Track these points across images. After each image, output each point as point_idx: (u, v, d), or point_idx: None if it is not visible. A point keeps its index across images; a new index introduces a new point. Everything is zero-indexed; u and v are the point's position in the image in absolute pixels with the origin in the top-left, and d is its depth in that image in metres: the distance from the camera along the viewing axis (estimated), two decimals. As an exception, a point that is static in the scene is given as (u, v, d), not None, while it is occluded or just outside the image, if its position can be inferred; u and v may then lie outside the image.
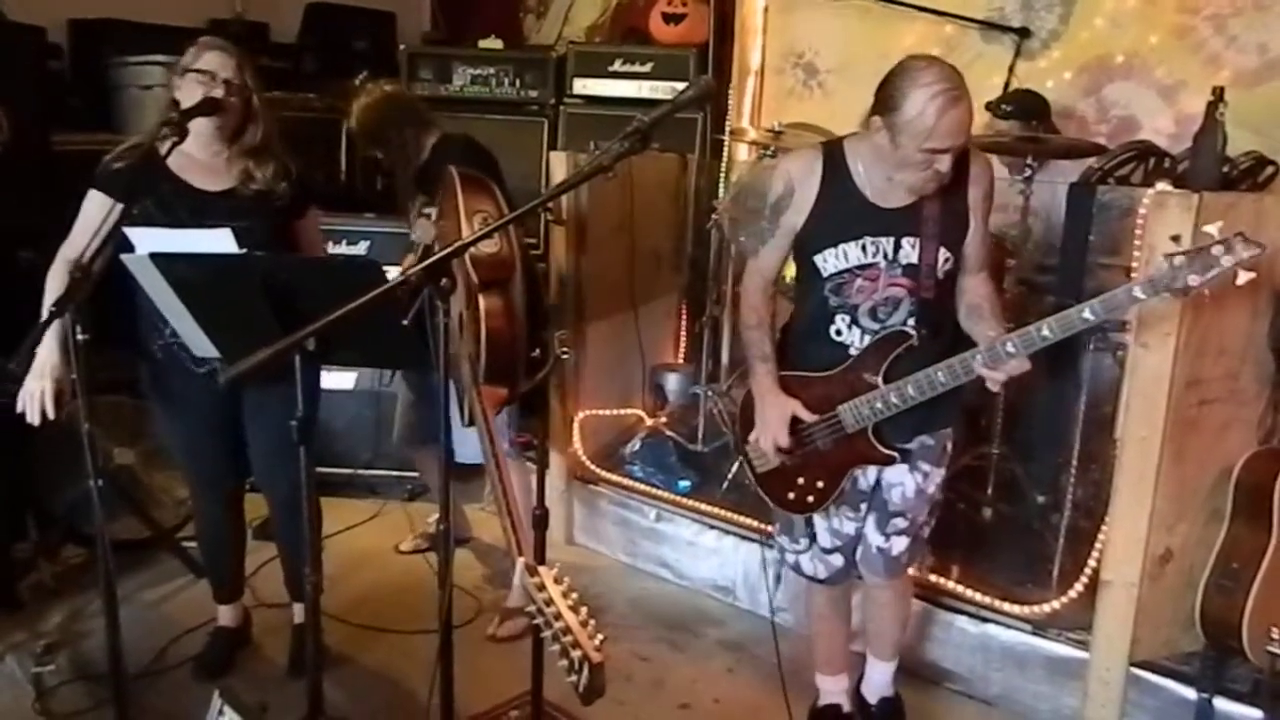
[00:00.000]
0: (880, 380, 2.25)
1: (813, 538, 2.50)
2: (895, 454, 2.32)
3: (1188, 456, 2.51)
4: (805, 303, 2.40)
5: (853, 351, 2.30)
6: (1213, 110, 2.58)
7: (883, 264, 2.24)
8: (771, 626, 2.83)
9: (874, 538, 2.46)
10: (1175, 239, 2.00)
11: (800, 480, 2.41)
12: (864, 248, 2.24)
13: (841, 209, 2.25)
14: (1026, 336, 2.06)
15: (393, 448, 3.83)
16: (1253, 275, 1.93)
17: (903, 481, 2.40)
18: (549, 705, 2.48)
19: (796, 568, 2.57)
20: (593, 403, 3.86)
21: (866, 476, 2.42)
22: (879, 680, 2.74)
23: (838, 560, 2.50)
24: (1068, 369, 2.97)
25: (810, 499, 2.41)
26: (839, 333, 2.31)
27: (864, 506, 2.44)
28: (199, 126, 2.42)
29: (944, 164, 2.09)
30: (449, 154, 3.00)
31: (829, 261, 2.27)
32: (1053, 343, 2.06)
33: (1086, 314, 2.01)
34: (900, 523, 2.43)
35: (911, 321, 2.25)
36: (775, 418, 2.32)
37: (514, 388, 2.07)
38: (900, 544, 2.45)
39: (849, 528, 2.46)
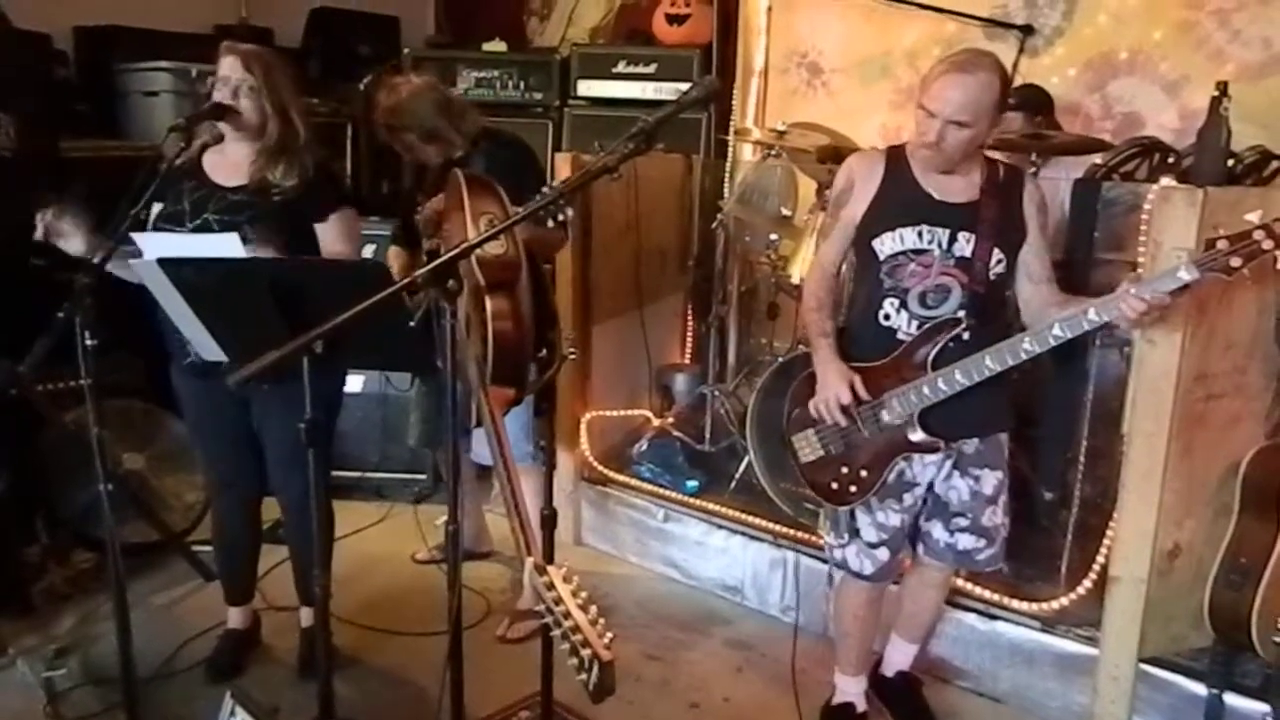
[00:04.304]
0: (929, 367, 2.30)
1: (856, 533, 2.51)
2: (939, 441, 2.35)
3: (1195, 451, 2.50)
4: (858, 290, 2.48)
5: (901, 337, 2.35)
6: (1217, 105, 2.58)
7: (937, 252, 2.31)
8: (794, 628, 2.84)
9: (939, 534, 2.50)
10: (1215, 227, 2.05)
11: (844, 469, 2.44)
12: (920, 234, 2.32)
13: (901, 198, 2.35)
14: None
15: (405, 450, 3.86)
16: None
17: (957, 486, 2.44)
18: (559, 705, 2.48)
19: (843, 564, 2.57)
20: (600, 403, 3.86)
21: (911, 468, 2.43)
22: (899, 659, 2.77)
23: (884, 554, 2.50)
24: (1075, 365, 2.97)
25: (853, 489, 2.44)
26: (887, 317, 2.37)
27: (907, 498, 2.46)
28: (223, 128, 2.50)
29: (930, 131, 2.19)
30: (501, 152, 3.00)
31: (885, 244, 2.34)
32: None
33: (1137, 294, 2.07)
34: (962, 521, 2.47)
35: (962, 313, 2.30)
36: (837, 383, 2.36)
37: (521, 388, 2.07)
38: (966, 540, 2.48)
39: (894, 520, 2.47)
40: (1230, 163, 2.70)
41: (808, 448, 2.51)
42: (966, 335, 2.29)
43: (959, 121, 2.17)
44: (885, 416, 2.37)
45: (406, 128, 2.94)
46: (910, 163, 2.36)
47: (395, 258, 3.27)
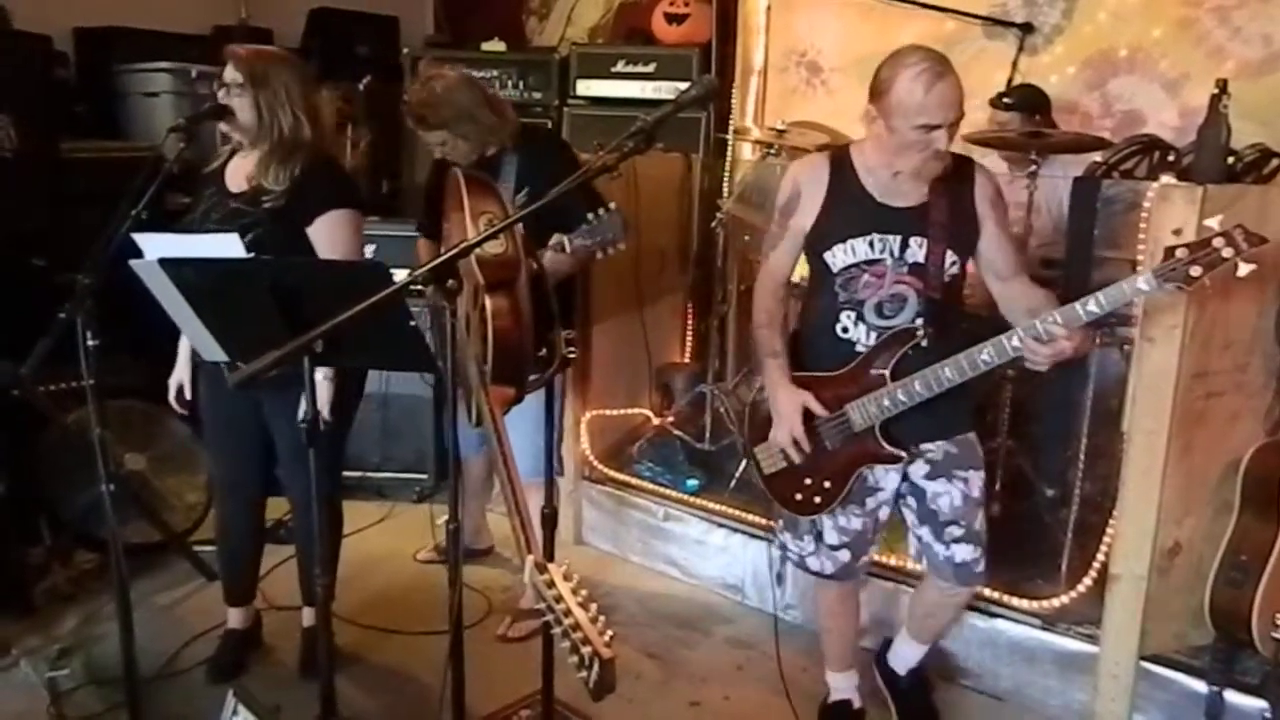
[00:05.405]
0: (888, 378, 2.26)
1: (818, 535, 2.50)
2: (903, 453, 2.33)
3: (1195, 449, 2.51)
4: (814, 300, 2.44)
5: (859, 349, 2.32)
6: (1217, 103, 2.57)
7: (889, 261, 2.27)
8: (774, 625, 2.84)
9: (936, 547, 2.45)
10: (1177, 232, 2.01)
11: (808, 481, 2.42)
12: (871, 244, 2.27)
13: (850, 207, 2.29)
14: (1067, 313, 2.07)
15: (406, 450, 3.93)
16: (1254, 267, 1.94)
17: (948, 492, 2.39)
18: (560, 704, 2.49)
19: (802, 564, 2.57)
20: (600, 402, 3.86)
21: (874, 473, 2.42)
22: (909, 656, 2.74)
23: (845, 555, 2.49)
24: (1075, 363, 2.97)
25: (818, 499, 2.42)
26: (845, 329, 2.33)
27: (870, 502, 2.44)
28: (225, 130, 2.58)
29: (940, 140, 2.13)
30: (539, 157, 2.91)
31: (837, 257, 2.30)
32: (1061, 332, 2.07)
33: (1091, 306, 2.03)
34: (956, 530, 2.41)
35: (919, 321, 2.27)
36: (789, 412, 2.34)
37: (521, 388, 2.07)
38: (964, 551, 2.42)
39: (856, 523, 2.46)
40: (1230, 160, 2.69)
41: (769, 460, 2.48)
42: (925, 343, 2.25)
43: (955, 122, 2.15)
44: (846, 429, 2.34)
45: (442, 123, 2.82)
46: (856, 167, 2.30)
47: (426, 249, 3.24)
